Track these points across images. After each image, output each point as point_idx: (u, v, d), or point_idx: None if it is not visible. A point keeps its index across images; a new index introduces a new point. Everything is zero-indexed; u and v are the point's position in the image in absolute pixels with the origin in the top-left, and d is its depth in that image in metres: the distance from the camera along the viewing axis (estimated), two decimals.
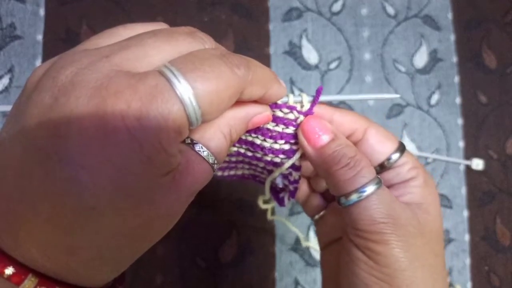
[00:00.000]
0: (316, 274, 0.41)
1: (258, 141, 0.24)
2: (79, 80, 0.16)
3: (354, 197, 0.21)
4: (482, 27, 0.47)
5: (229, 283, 0.40)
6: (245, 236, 0.41)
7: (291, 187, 0.26)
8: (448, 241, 0.44)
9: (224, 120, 0.20)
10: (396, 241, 0.21)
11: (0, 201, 0.16)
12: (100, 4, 0.42)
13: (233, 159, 0.26)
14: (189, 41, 0.18)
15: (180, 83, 0.16)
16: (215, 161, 0.19)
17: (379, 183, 0.22)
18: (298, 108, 0.23)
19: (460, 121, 0.46)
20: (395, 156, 0.24)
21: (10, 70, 0.40)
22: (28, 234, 0.16)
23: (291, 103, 0.22)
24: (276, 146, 0.23)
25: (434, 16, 0.46)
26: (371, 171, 0.22)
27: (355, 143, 0.25)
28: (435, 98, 0.45)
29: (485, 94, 0.46)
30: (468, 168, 0.45)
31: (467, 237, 0.44)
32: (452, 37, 0.46)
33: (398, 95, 0.25)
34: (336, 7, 0.45)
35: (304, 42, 0.44)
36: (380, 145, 0.25)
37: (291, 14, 0.44)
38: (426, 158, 0.44)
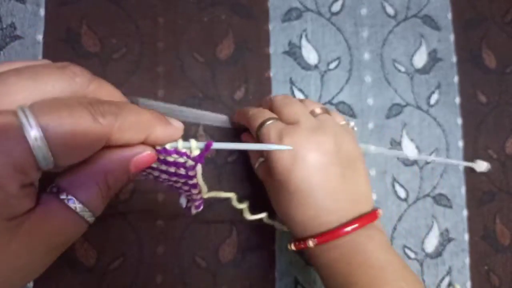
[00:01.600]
0: (316, 274, 0.41)
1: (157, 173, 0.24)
2: None
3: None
4: (482, 27, 0.47)
5: (229, 282, 0.40)
6: (245, 236, 0.41)
7: (196, 203, 0.27)
8: (448, 240, 0.44)
9: (97, 165, 0.19)
10: None
11: None
12: (101, 4, 0.42)
13: (151, 175, 0.26)
14: (55, 78, 0.18)
15: (30, 124, 0.16)
16: (87, 212, 0.19)
17: None
18: (188, 153, 0.23)
19: (459, 121, 0.46)
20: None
21: None
22: None
23: (180, 148, 0.22)
24: (173, 179, 0.24)
25: (434, 16, 0.46)
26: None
27: None
28: (434, 97, 0.45)
29: (484, 94, 0.46)
30: (468, 168, 0.45)
31: (466, 236, 0.44)
32: (452, 37, 0.46)
33: (290, 147, 0.27)
34: (336, 7, 0.45)
35: (304, 42, 0.44)
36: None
37: (291, 14, 0.44)
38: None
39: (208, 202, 0.41)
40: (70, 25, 0.41)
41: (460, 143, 0.45)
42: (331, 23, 0.45)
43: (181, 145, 0.22)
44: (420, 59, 0.46)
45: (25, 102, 0.17)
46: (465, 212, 0.44)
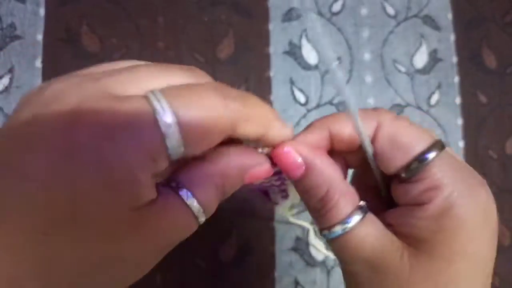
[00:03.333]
0: (316, 274, 0.41)
1: None
2: (62, 96, 0.15)
3: (333, 232, 0.19)
4: (482, 27, 0.47)
5: (229, 283, 0.40)
6: (245, 236, 0.41)
7: (283, 190, 0.25)
8: None
9: (217, 168, 0.18)
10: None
11: None
12: (101, 4, 0.42)
13: None
14: (183, 72, 0.17)
15: (163, 109, 0.15)
16: (201, 212, 0.17)
17: (363, 213, 0.19)
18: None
19: (460, 121, 0.46)
20: (406, 174, 0.19)
21: (10, 70, 0.40)
22: None
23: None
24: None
25: (434, 16, 0.46)
26: (349, 205, 0.19)
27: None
28: (435, 98, 0.45)
29: (485, 94, 0.46)
30: None
31: None
32: (452, 37, 0.46)
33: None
34: (336, 7, 0.45)
35: (304, 42, 0.44)
36: (389, 155, 0.19)
37: (291, 14, 0.44)
38: None
39: None
40: (70, 25, 0.41)
41: (461, 144, 0.45)
42: (331, 23, 0.45)
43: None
44: (421, 59, 0.45)
45: (152, 88, 0.16)
46: None
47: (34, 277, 0.15)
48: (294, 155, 0.20)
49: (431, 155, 0.18)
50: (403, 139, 0.19)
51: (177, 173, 0.18)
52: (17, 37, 0.41)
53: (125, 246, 0.16)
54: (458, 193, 0.18)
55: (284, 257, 0.41)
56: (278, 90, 0.43)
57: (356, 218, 0.19)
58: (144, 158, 0.15)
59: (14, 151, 0.14)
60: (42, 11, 0.41)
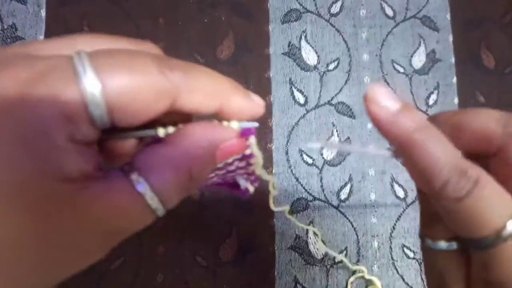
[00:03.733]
0: (315, 272, 0.41)
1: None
2: None
3: (488, 239, 0.16)
4: (481, 27, 0.47)
5: (229, 282, 0.40)
6: (245, 235, 0.41)
7: (251, 178, 0.23)
8: None
9: (179, 150, 0.16)
10: None
11: None
12: (101, 5, 0.42)
13: None
14: (129, 43, 0.16)
15: (85, 67, 0.13)
16: (157, 201, 0.15)
17: None
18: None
19: None
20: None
21: None
22: None
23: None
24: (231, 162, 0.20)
25: (433, 17, 0.47)
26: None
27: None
28: (433, 98, 0.46)
29: (483, 94, 0.46)
30: None
31: None
32: (451, 38, 0.47)
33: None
34: (335, 8, 0.45)
35: (303, 43, 0.44)
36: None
37: (291, 15, 0.44)
38: None
39: (209, 202, 0.41)
40: (70, 25, 0.41)
41: None
42: (330, 24, 0.45)
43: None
44: (419, 59, 0.46)
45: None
46: None
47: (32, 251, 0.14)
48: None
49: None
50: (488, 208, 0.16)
51: (134, 157, 0.16)
52: (18, 38, 0.41)
53: (60, 224, 0.14)
54: None
55: (283, 256, 0.41)
56: (278, 90, 0.43)
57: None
58: (56, 115, 0.13)
59: None
60: (43, 12, 0.42)
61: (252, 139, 0.19)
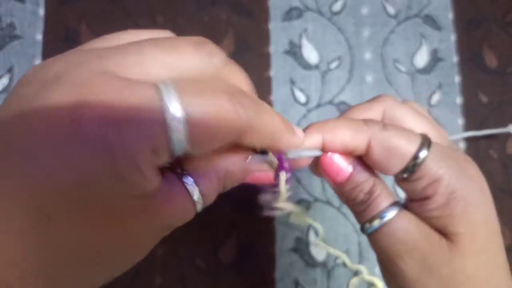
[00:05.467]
0: (316, 274, 0.41)
1: None
2: (64, 76, 0.15)
3: (375, 223, 0.21)
4: (483, 27, 0.47)
5: (229, 283, 0.40)
6: (245, 237, 0.40)
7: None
8: None
9: (224, 163, 0.18)
10: (409, 275, 0.20)
11: None
12: (100, 3, 0.42)
13: None
14: (193, 54, 0.17)
15: (172, 103, 0.14)
16: (200, 201, 0.18)
17: (398, 208, 0.21)
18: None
19: (460, 121, 0.45)
20: (403, 175, 0.21)
21: (10, 70, 0.40)
22: None
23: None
24: None
25: (435, 16, 0.46)
26: (387, 199, 0.21)
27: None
28: (435, 98, 0.45)
29: (485, 94, 0.46)
30: None
31: None
32: (453, 37, 0.46)
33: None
34: (337, 6, 0.45)
35: (304, 41, 0.44)
36: (386, 163, 0.21)
37: (291, 14, 0.44)
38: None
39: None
40: (69, 24, 0.41)
41: (461, 144, 0.45)
42: (332, 23, 0.44)
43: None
44: (421, 59, 0.45)
45: (159, 75, 0.16)
46: None
47: (37, 261, 0.14)
48: (340, 160, 0.21)
49: (423, 154, 0.20)
50: (394, 146, 0.20)
51: (184, 160, 0.18)
52: (17, 37, 0.41)
53: (127, 230, 0.16)
54: (455, 177, 0.20)
55: (284, 258, 0.41)
56: (278, 90, 0.43)
57: (395, 210, 0.21)
58: (148, 151, 0.15)
59: (15, 130, 0.14)
60: (41, 11, 0.41)
61: (283, 175, 0.21)
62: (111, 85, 0.14)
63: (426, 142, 0.20)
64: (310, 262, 0.41)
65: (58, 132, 0.14)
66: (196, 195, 0.17)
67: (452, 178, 0.20)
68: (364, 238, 0.41)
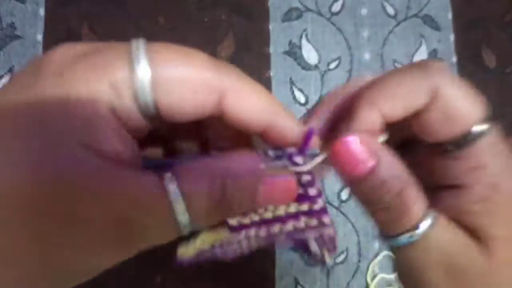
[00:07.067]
0: (316, 273, 0.41)
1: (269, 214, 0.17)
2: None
3: (403, 238, 0.16)
4: (482, 27, 0.47)
5: (229, 282, 0.40)
6: None
7: (326, 241, 0.19)
8: None
9: (221, 164, 0.15)
10: None
11: None
12: (101, 4, 0.42)
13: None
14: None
15: (139, 56, 0.14)
16: (184, 211, 0.14)
17: (432, 217, 0.16)
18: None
19: None
20: (448, 147, 0.16)
21: (10, 70, 0.40)
22: None
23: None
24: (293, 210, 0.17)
25: (434, 16, 0.46)
26: (421, 206, 0.16)
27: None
28: None
29: (484, 94, 0.46)
30: None
31: None
32: (452, 37, 0.46)
33: None
34: (336, 7, 0.45)
35: (304, 42, 0.44)
36: (438, 126, 0.16)
37: (291, 14, 0.44)
38: None
39: None
40: (70, 25, 0.41)
41: None
42: (331, 23, 0.45)
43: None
44: (421, 59, 0.46)
45: None
46: None
47: (30, 253, 0.14)
48: (360, 148, 0.16)
49: (482, 128, 0.16)
50: (461, 107, 0.16)
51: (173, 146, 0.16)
52: (17, 37, 0.41)
53: (82, 192, 0.14)
54: (502, 169, 0.16)
55: (284, 257, 0.41)
56: (278, 90, 0.43)
57: (430, 216, 0.16)
58: (105, 85, 0.14)
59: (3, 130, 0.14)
60: (42, 11, 0.42)
61: (320, 202, 0.17)
62: (90, 57, 0.15)
63: (489, 120, 0.17)
64: (310, 261, 0.41)
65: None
66: (173, 192, 0.14)
67: (499, 168, 0.16)
68: (363, 238, 0.41)
